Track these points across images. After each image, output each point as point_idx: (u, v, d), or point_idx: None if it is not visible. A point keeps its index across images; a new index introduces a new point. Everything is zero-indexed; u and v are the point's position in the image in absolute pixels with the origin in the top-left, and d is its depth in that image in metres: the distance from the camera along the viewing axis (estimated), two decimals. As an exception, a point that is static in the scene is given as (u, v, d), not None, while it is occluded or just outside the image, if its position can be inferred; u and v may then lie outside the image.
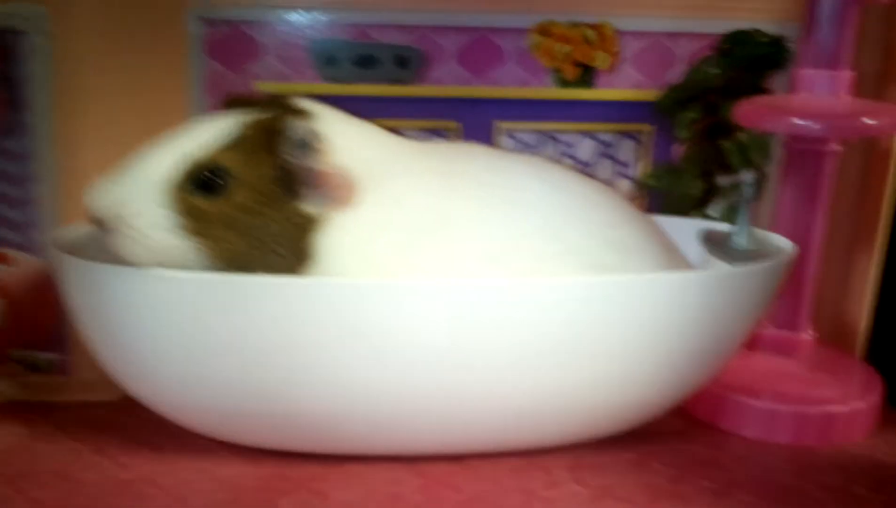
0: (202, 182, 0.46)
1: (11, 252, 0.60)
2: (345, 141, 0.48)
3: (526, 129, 0.68)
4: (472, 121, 0.68)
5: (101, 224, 0.46)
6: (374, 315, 0.45)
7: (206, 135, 0.47)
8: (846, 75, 0.58)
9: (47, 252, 0.60)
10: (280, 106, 0.48)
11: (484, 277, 0.47)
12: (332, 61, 0.64)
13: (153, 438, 0.54)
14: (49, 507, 0.46)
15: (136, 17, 0.60)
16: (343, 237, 0.47)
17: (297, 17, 0.64)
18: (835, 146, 0.59)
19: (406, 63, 0.65)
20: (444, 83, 0.66)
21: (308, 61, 0.64)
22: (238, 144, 0.46)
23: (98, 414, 0.57)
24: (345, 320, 0.45)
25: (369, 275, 0.47)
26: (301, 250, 0.46)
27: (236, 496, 0.47)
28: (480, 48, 0.66)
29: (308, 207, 0.46)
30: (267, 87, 0.64)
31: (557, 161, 0.67)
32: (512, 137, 0.68)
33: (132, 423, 0.55)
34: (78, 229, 0.52)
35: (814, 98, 0.58)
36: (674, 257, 0.54)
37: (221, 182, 0.45)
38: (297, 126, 0.46)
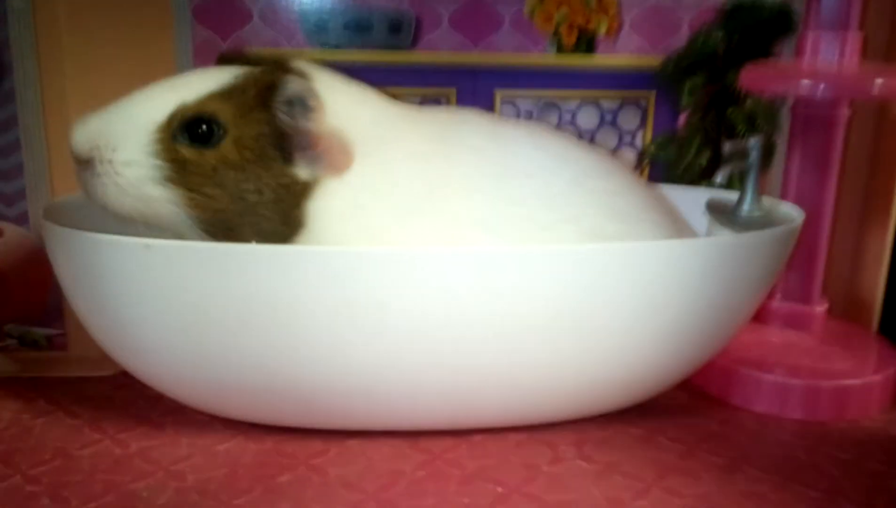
0: (191, 130, 0.43)
1: (1, 224, 0.58)
2: (340, 103, 0.46)
3: (526, 96, 0.67)
4: (469, 89, 0.66)
5: (79, 161, 0.44)
6: (372, 285, 0.43)
7: (201, 83, 0.44)
8: (855, 37, 0.56)
9: (37, 223, 0.58)
10: (275, 64, 0.47)
11: (478, 244, 0.46)
12: (323, 27, 0.63)
13: (151, 414, 0.52)
14: (46, 483, 0.45)
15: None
16: (335, 204, 0.45)
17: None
18: (844, 111, 0.58)
19: (400, 28, 0.64)
20: (440, 49, 0.65)
21: (298, 27, 0.62)
22: (232, 96, 0.44)
23: (95, 390, 0.56)
24: (342, 290, 0.43)
25: (363, 243, 0.45)
26: (291, 216, 0.45)
27: (234, 471, 0.46)
28: (476, 13, 0.64)
29: (300, 170, 0.45)
30: (256, 53, 0.62)
31: (558, 129, 0.66)
32: (512, 104, 0.67)
33: (129, 399, 0.54)
34: (68, 199, 0.51)
35: (822, 61, 0.57)
36: (678, 226, 0.53)
37: (211, 132, 0.43)
38: (293, 83, 0.44)
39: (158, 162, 0.43)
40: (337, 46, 0.63)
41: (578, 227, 0.48)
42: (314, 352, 0.45)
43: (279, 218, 0.45)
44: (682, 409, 0.55)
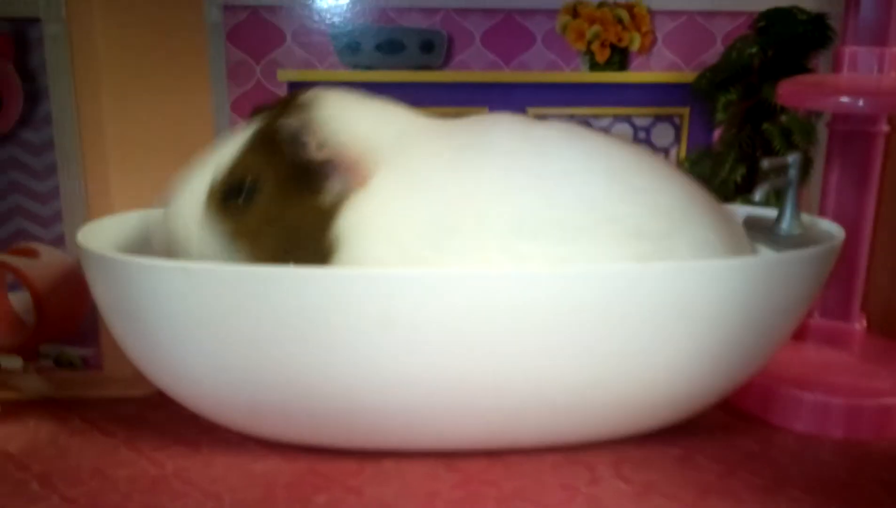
0: (228, 195, 0.47)
1: (37, 246, 0.59)
2: (354, 122, 0.48)
3: (558, 114, 0.66)
4: (501, 106, 0.66)
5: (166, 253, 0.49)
6: (406, 305, 0.43)
7: (228, 147, 0.48)
8: (893, 52, 0.56)
9: (73, 245, 0.59)
10: (283, 104, 0.49)
11: (514, 252, 0.45)
12: (355, 47, 0.63)
13: (186, 434, 0.52)
14: (82, 504, 0.45)
15: (154, 3, 0.59)
16: (365, 223, 0.46)
17: (319, 2, 0.62)
18: (883, 127, 0.57)
19: (431, 48, 0.64)
20: (472, 68, 0.65)
21: (331, 48, 0.63)
22: (255, 149, 0.47)
23: (130, 410, 0.56)
24: (378, 311, 0.43)
25: (397, 260, 0.45)
26: (329, 240, 0.46)
27: (270, 492, 0.46)
28: (508, 31, 0.65)
29: (328, 196, 0.46)
30: (288, 74, 0.63)
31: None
32: (545, 122, 0.67)
33: (165, 419, 0.54)
34: (104, 222, 0.51)
35: (860, 76, 0.56)
36: (725, 221, 0.51)
37: (247, 190, 0.47)
38: (287, 124, 0.46)
39: (213, 235, 0.47)
40: (369, 67, 0.63)
41: (619, 227, 0.46)
42: (350, 373, 0.45)
43: (319, 244, 0.46)
44: (721, 429, 0.54)
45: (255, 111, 0.51)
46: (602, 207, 0.46)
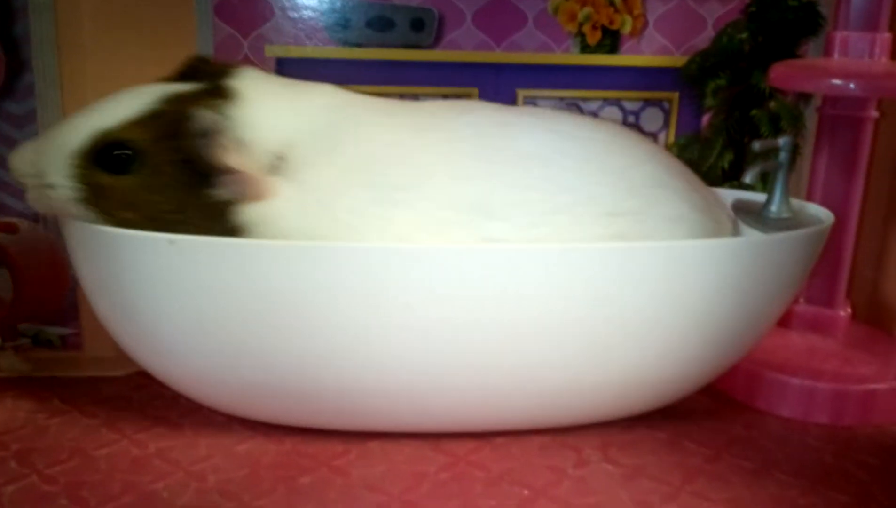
0: (106, 156, 0.44)
1: (16, 220, 0.58)
2: (278, 119, 0.46)
3: (548, 96, 0.66)
4: (491, 87, 0.65)
5: (22, 184, 0.46)
6: (395, 284, 0.43)
7: (122, 109, 0.45)
8: (884, 38, 0.56)
9: (53, 221, 0.58)
10: (211, 82, 0.46)
11: (481, 233, 0.45)
12: (344, 24, 0.62)
13: (168, 414, 0.52)
14: (64, 483, 0.44)
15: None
16: (295, 205, 0.45)
17: (310, -22, 0.61)
18: (872, 112, 0.57)
19: (422, 26, 0.63)
20: (462, 48, 0.64)
21: (320, 24, 0.62)
22: (148, 122, 0.44)
23: (111, 390, 0.55)
24: (364, 289, 0.43)
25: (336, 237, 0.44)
26: (226, 228, 0.44)
27: (255, 472, 0.45)
28: (500, 11, 0.64)
29: (221, 192, 0.44)
30: (276, 50, 0.62)
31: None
32: (534, 104, 0.66)
33: (146, 400, 0.54)
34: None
35: (851, 60, 0.56)
36: (705, 196, 0.51)
37: (127, 158, 0.44)
38: (201, 117, 0.43)
39: (77, 186, 0.44)
40: (358, 44, 0.62)
41: (594, 208, 0.46)
42: (336, 352, 0.44)
43: (213, 230, 0.44)
44: (707, 413, 0.54)
45: (184, 67, 0.49)
46: (574, 188, 0.46)
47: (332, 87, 0.49)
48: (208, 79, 0.46)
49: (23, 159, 0.46)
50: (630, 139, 0.50)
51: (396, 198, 0.45)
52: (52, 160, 0.45)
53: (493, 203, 0.45)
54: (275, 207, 0.44)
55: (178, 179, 0.44)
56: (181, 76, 0.48)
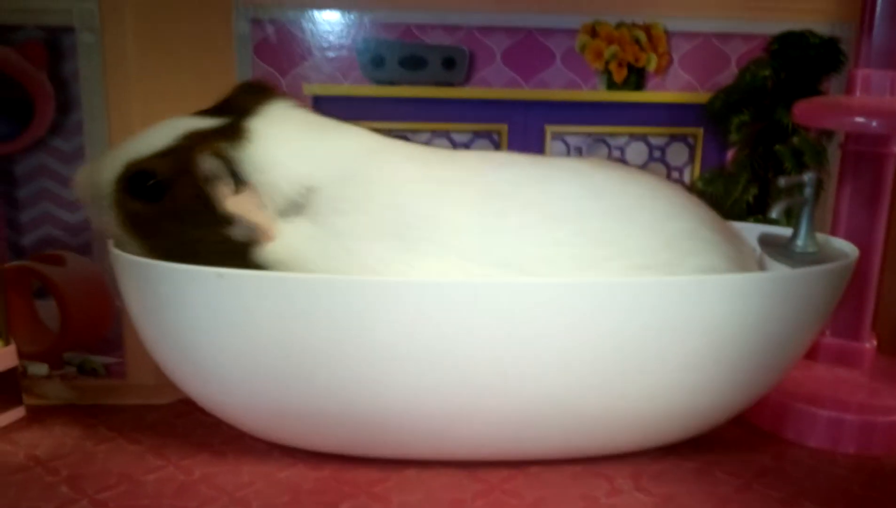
0: (139, 185, 0.46)
1: (64, 253, 0.59)
2: (301, 158, 0.47)
3: (576, 132, 0.68)
4: (520, 124, 0.67)
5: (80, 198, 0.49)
6: (435, 317, 0.44)
7: (151, 140, 0.47)
8: (906, 76, 0.57)
9: (100, 254, 0.59)
10: (234, 118, 0.48)
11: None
12: (379, 62, 0.64)
13: (211, 441, 0.53)
14: (112, 507, 0.46)
15: (186, 16, 0.60)
16: (319, 247, 0.46)
17: (344, 18, 0.63)
18: (894, 148, 0.58)
19: (453, 64, 0.65)
20: (492, 85, 0.66)
21: (355, 63, 0.64)
22: (169, 156, 0.46)
23: (154, 417, 0.56)
24: (405, 321, 0.44)
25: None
26: (247, 263, 0.46)
27: (297, 498, 0.47)
28: (528, 49, 0.66)
29: (235, 233, 0.46)
30: (314, 88, 0.64)
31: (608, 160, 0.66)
32: (562, 140, 0.68)
33: (188, 426, 0.55)
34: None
35: (873, 98, 0.57)
36: (738, 247, 0.52)
37: (154, 186, 0.46)
38: (203, 161, 0.45)
39: (114, 211, 0.47)
40: (392, 82, 0.64)
41: (628, 261, 0.47)
42: (375, 382, 0.45)
43: (234, 265, 0.45)
44: (736, 443, 0.55)
45: (233, 95, 0.50)
46: (607, 242, 0.47)
47: (366, 130, 0.50)
48: (236, 113, 0.48)
49: (80, 180, 0.48)
50: (665, 190, 0.51)
51: (425, 250, 0.46)
52: (97, 184, 0.47)
53: (523, 259, 0.46)
54: (296, 249, 0.46)
55: (198, 213, 0.46)
56: (224, 103, 0.50)
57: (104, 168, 0.47)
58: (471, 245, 0.46)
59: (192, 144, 0.46)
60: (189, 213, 0.46)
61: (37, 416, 0.56)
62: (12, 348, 0.55)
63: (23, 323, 0.59)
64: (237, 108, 0.49)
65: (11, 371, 0.55)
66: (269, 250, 0.46)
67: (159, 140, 0.47)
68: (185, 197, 0.46)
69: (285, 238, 0.46)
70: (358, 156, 0.48)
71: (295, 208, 0.46)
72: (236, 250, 0.46)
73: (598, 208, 0.48)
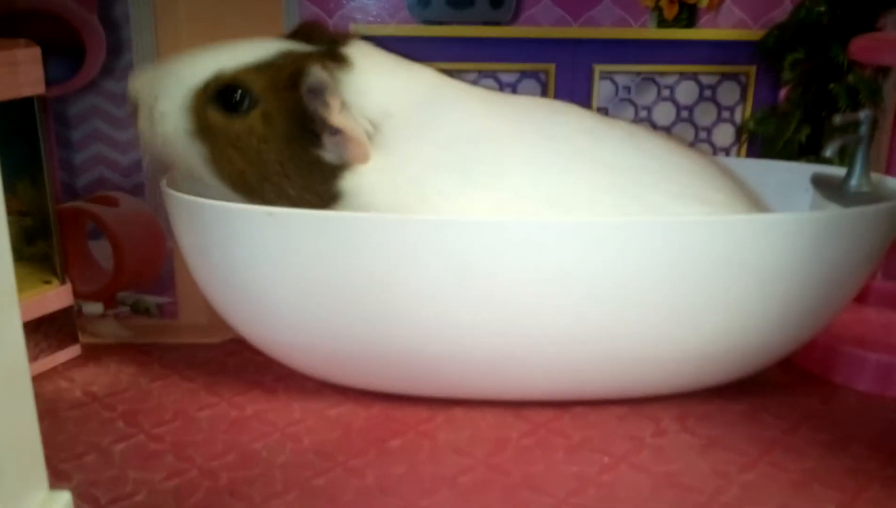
0: (223, 96, 0.46)
1: (117, 194, 0.60)
2: (387, 88, 0.47)
3: (625, 71, 0.67)
4: (568, 63, 0.66)
5: (133, 101, 0.48)
6: (483, 255, 0.44)
7: (244, 54, 0.47)
8: (970, 12, 0.55)
9: (153, 194, 0.60)
10: (327, 47, 0.48)
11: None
12: (426, 2, 0.63)
13: (262, 379, 0.54)
14: (170, 443, 0.47)
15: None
16: (387, 178, 0.46)
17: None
18: (957, 87, 0.57)
19: (500, 3, 0.64)
20: (540, 24, 0.65)
21: (402, 2, 0.63)
22: (267, 72, 0.46)
23: (207, 356, 0.58)
24: (454, 260, 0.44)
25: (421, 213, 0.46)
26: (321, 190, 0.46)
27: (347, 435, 0.48)
28: (577, -13, 0.65)
29: (326, 153, 0.46)
30: (361, 28, 0.64)
31: (657, 103, 0.66)
32: (610, 79, 0.67)
33: (240, 364, 0.56)
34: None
35: (934, 35, 0.56)
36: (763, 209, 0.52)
37: (242, 101, 0.46)
38: (314, 73, 0.45)
39: (189, 119, 0.46)
40: (439, 22, 0.64)
41: (687, 195, 0.48)
42: (425, 321, 0.46)
43: (306, 190, 0.46)
44: (783, 387, 0.55)
45: (296, 31, 0.50)
46: (641, 197, 0.48)
47: (433, 70, 0.51)
48: (323, 44, 0.48)
49: (142, 81, 0.48)
50: (706, 165, 0.52)
51: (480, 183, 0.46)
52: (169, 89, 0.47)
53: (566, 200, 0.47)
54: (368, 179, 0.46)
55: (287, 131, 0.46)
56: (294, 37, 0.50)
57: (181, 74, 0.47)
58: (525, 183, 0.47)
59: (295, 60, 0.46)
60: (276, 132, 0.46)
61: (92, 354, 0.58)
62: (68, 287, 0.56)
63: (77, 263, 0.61)
64: (319, 40, 0.49)
65: (68, 310, 0.57)
66: (347, 179, 0.46)
67: (250, 55, 0.47)
68: (275, 114, 0.46)
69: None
70: (429, 91, 0.49)
71: (369, 134, 0.47)
72: (315, 176, 0.46)
73: (640, 166, 0.49)
